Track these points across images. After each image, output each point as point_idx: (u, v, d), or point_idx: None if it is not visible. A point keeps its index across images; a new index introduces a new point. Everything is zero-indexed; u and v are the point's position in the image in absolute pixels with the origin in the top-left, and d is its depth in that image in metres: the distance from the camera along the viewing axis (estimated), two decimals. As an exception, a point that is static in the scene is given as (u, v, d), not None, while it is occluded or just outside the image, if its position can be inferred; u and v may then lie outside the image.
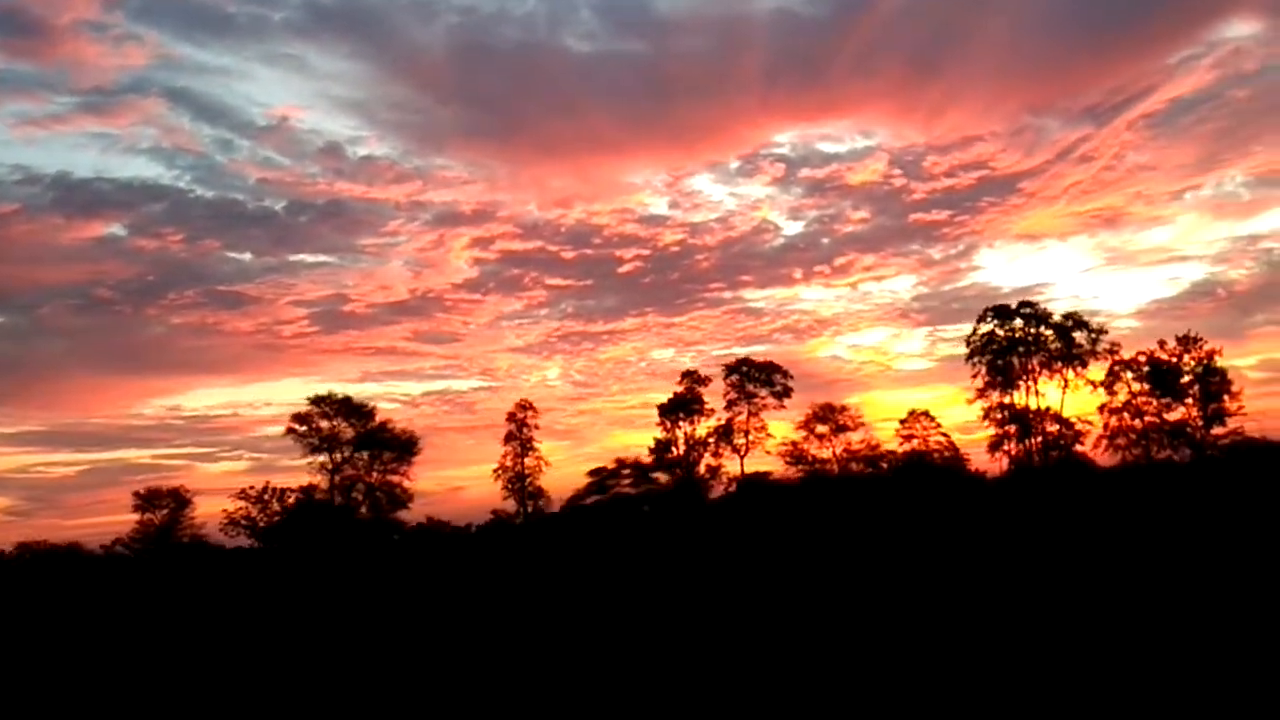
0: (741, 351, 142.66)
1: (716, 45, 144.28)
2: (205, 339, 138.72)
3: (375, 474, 66.28)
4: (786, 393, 61.22)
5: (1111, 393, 60.92)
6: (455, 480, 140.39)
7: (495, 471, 70.59)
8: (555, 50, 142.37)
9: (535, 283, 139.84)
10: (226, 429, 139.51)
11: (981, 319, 60.50)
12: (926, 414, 66.78)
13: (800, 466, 61.24)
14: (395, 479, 66.00)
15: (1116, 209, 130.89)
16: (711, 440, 62.76)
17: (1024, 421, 61.40)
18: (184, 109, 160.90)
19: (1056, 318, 59.59)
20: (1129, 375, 61.15)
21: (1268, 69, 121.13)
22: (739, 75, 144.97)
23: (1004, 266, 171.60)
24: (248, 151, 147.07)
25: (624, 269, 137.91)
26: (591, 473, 64.04)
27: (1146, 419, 61.45)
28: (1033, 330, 59.65)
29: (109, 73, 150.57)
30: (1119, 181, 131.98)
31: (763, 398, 61.45)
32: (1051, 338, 59.27)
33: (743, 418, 61.52)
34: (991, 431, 62.38)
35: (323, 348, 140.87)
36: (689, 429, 63.43)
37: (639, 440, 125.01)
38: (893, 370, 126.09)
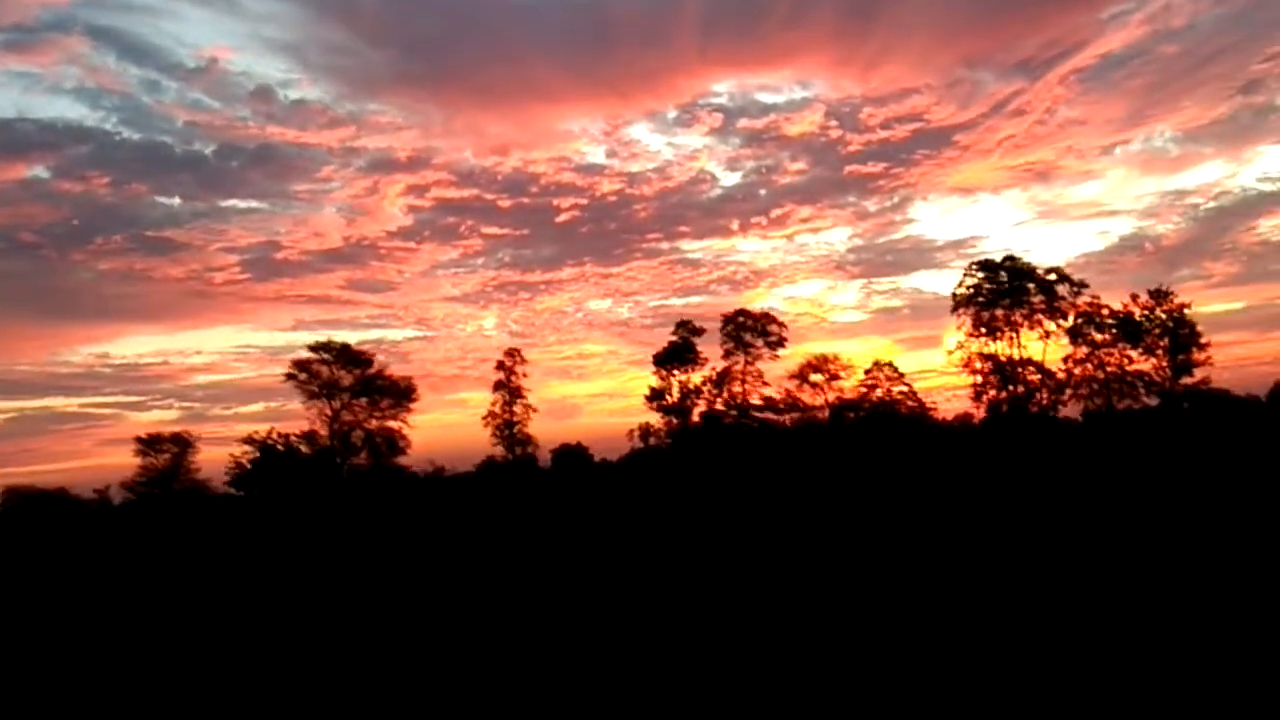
0: (679, 303, 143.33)
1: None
2: (134, 285, 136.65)
3: (374, 420, 67.26)
4: (781, 343, 63.20)
5: (1076, 344, 63.48)
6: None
7: (484, 419, 71.91)
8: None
9: (471, 231, 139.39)
10: (157, 377, 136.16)
11: (969, 272, 62.75)
12: (890, 365, 68.51)
13: (793, 414, 63.37)
14: (394, 425, 67.04)
15: (1048, 163, 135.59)
16: (706, 388, 64.63)
17: (1005, 372, 64.11)
18: (109, 48, 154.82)
19: (1040, 271, 61.86)
20: (1092, 327, 63.82)
21: (1197, 24, 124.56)
22: (678, 23, 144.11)
23: (938, 219, 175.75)
24: (176, 93, 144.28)
25: (561, 218, 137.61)
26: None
27: (1109, 369, 64.30)
28: (1016, 283, 61.92)
29: (30, 9, 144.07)
30: (1051, 136, 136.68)
31: (758, 347, 63.30)
32: (1034, 290, 61.64)
33: (739, 366, 63.43)
34: (969, 381, 65.10)
35: (255, 295, 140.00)
36: (684, 378, 65.20)
37: (575, 391, 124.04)
38: (828, 322, 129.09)
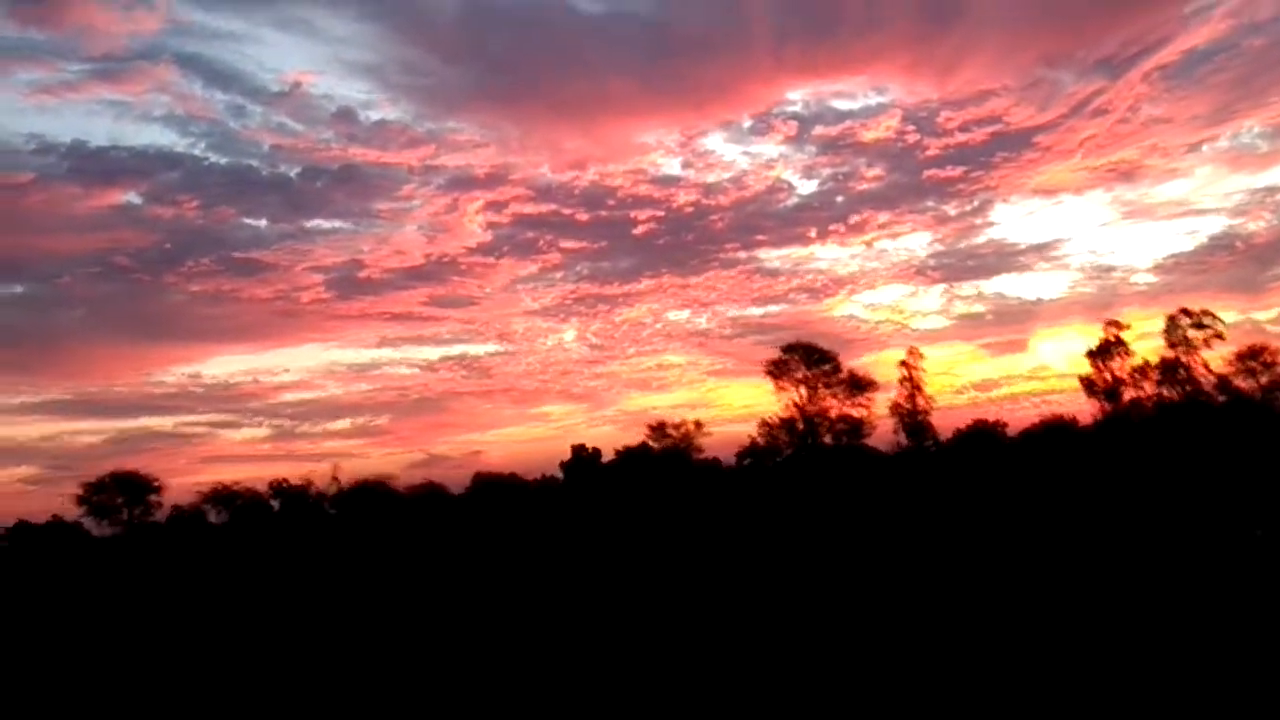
0: (758, 312, 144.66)
1: (728, 2, 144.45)
2: (224, 306, 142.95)
3: (837, 409, 77.94)
4: (1219, 336, 72.93)
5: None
6: (475, 444, 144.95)
7: (890, 409, 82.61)
8: (566, 10, 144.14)
9: (550, 245, 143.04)
10: (247, 396, 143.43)
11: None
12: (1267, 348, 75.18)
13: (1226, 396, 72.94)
14: (856, 413, 77.61)
15: (1132, 162, 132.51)
16: (1136, 376, 74.81)
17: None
18: (196, 75, 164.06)
19: None
20: None
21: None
22: (751, 33, 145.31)
23: (1020, 222, 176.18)
24: (261, 117, 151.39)
25: (638, 230, 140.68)
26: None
27: None
28: None
29: (120, 39, 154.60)
30: (1134, 134, 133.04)
31: (1196, 341, 73.15)
32: None
33: (1184, 357, 73.25)
34: None
35: (340, 314, 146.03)
36: (1117, 368, 75.40)
37: (655, 402, 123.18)
38: (909, 328, 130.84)
